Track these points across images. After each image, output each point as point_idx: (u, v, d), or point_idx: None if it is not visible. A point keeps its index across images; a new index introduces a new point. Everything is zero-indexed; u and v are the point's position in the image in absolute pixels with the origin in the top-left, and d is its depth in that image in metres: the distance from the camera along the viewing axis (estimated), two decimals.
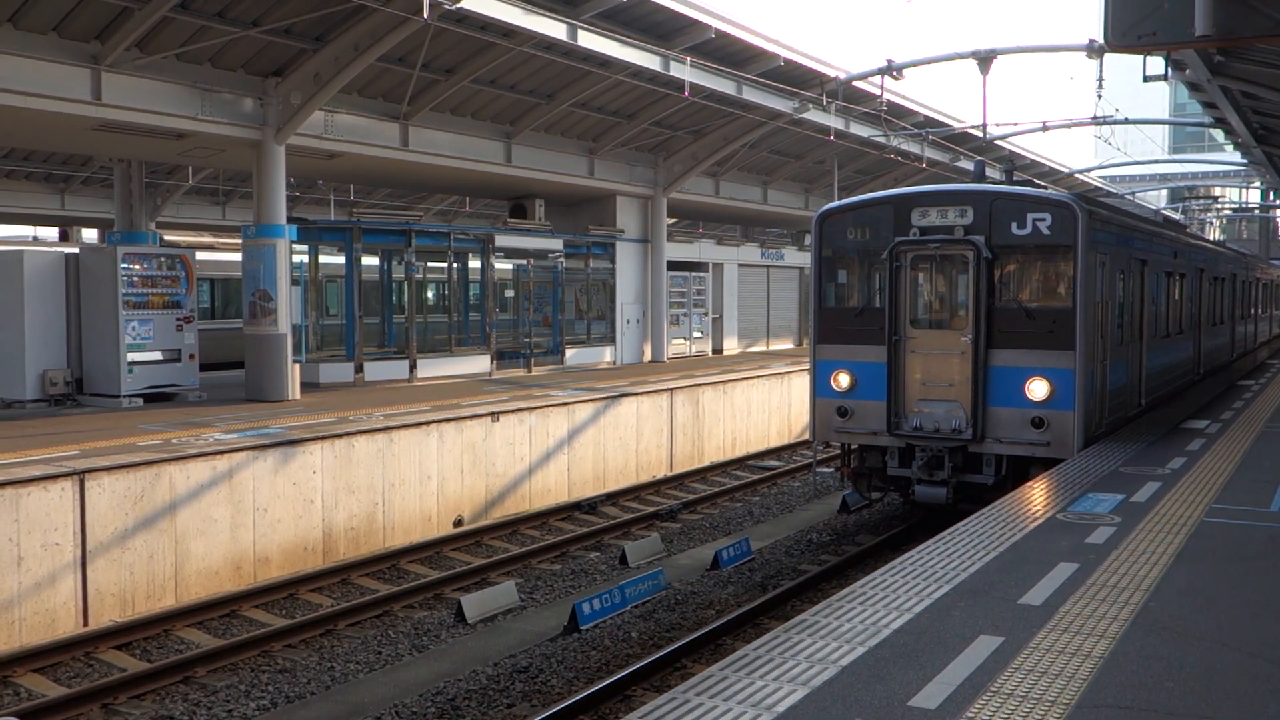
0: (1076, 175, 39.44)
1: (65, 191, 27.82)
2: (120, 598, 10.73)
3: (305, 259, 20.29)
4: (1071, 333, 11.56)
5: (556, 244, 23.91)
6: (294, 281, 17.59)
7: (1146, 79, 13.55)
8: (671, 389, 19.31)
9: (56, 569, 10.19)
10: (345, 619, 10.53)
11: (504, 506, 15.53)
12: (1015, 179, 14.19)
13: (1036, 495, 9.30)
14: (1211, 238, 54.18)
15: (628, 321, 25.73)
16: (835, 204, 13.29)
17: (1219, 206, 56.69)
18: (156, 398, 16.52)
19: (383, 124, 18.58)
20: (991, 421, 11.86)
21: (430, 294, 28.46)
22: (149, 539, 10.98)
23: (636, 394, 18.37)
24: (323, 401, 16.56)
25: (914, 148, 27.96)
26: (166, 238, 25.14)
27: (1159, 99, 78.51)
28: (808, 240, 24.40)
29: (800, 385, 23.07)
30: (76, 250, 17.30)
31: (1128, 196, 45.85)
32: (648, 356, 26.27)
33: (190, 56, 15.33)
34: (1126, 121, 25.02)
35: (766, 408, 22.30)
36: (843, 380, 12.72)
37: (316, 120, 17.12)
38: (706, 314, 28.86)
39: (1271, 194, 46.50)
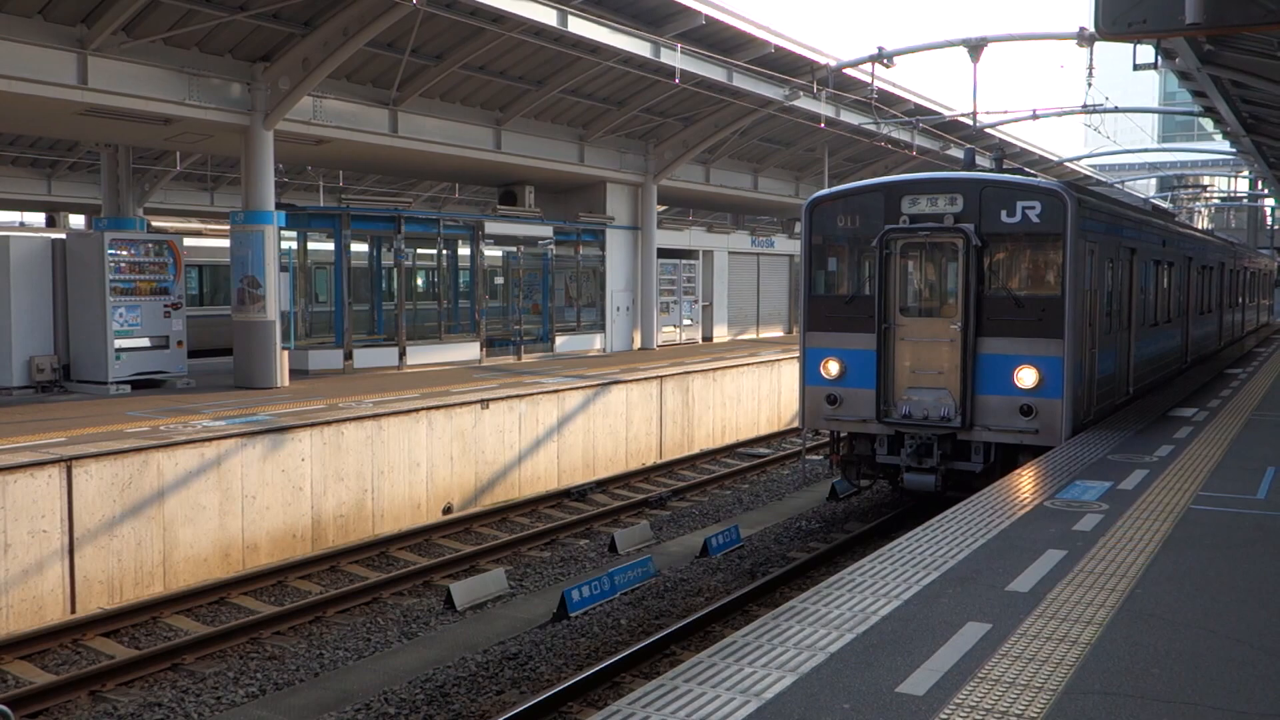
0: (1066, 164, 39.49)
1: (52, 177, 27.65)
2: (108, 585, 10.70)
3: (294, 245, 20.21)
4: (1060, 321, 11.58)
5: (546, 231, 23.86)
6: (282, 268, 17.51)
7: (1136, 67, 13.54)
8: (661, 376, 19.31)
9: (44, 556, 10.16)
10: (334, 606, 10.52)
11: (493, 494, 15.52)
12: (1005, 167, 14.20)
13: (1025, 483, 9.33)
14: (1200, 226, 54.35)
15: (618, 309, 25.71)
16: (825, 191, 13.27)
17: (1208, 195, 56.83)
18: (144, 384, 16.46)
19: (372, 110, 18.50)
20: (980, 409, 11.89)
21: (420, 281, 28.38)
22: (137, 526, 10.95)
23: (626, 381, 18.36)
24: (312, 388, 16.52)
25: (904, 135, 27.98)
26: (154, 223, 25.04)
27: (1149, 88, 78.60)
28: (798, 228, 24.43)
29: (790, 373, 23.10)
30: (63, 236, 17.20)
31: (1117, 185, 45.93)
32: (638, 344, 26.27)
33: (177, 41, 15.22)
34: (1116, 110, 25.08)
35: (756, 395, 22.33)
36: (832, 368, 12.73)
37: (305, 106, 17.02)
38: (697, 301, 28.85)
39: (1260, 183, 46.64)
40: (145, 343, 16.41)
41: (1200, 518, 8.01)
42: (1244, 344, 28.88)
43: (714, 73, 20.37)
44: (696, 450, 19.69)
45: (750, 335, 31.80)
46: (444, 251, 23.96)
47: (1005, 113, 25.51)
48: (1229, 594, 6.16)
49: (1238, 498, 8.73)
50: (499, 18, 16.62)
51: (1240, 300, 28.93)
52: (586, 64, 19.70)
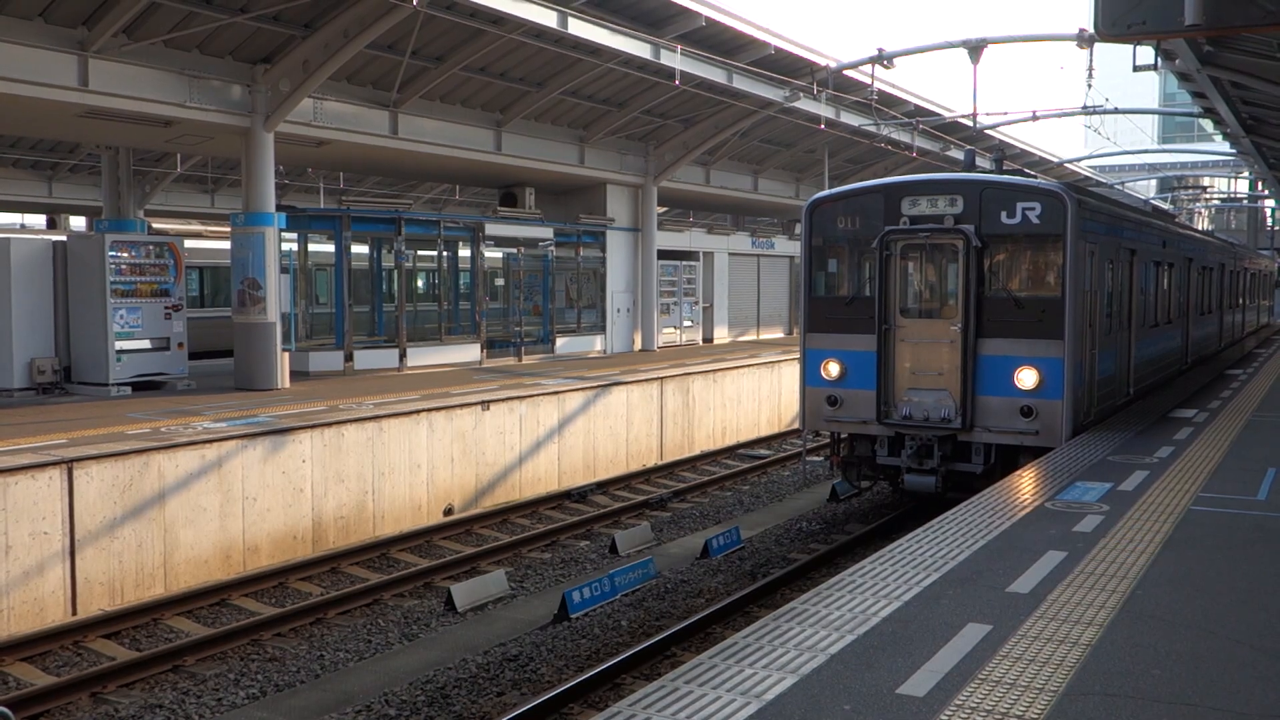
0: (1066, 165, 39.49)
1: (53, 179, 27.67)
2: (109, 586, 10.71)
3: (294, 247, 20.22)
4: (1060, 322, 11.59)
5: (547, 232, 23.87)
6: (283, 270, 17.52)
7: (1136, 69, 13.55)
8: (662, 378, 19.32)
9: (45, 558, 10.16)
10: (335, 608, 10.52)
11: (494, 495, 15.53)
12: (1005, 168, 14.20)
13: (1025, 484, 9.33)
14: (1200, 227, 54.33)
15: (618, 310, 25.72)
16: (825, 193, 13.28)
17: (1208, 196, 56.81)
18: (145, 386, 16.46)
19: (372, 111, 18.51)
20: (980, 410, 11.89)
21: (420, 282, 28.40)
22: (137, 528, 10.96)
23: (627, 383, 18.37)
24: (312, 390, 16.52)
25: (904, 137, 27.99)
26: (155, 225, 25.05)
27: (1149, 89, 78.60)
28: (798, 229, 24.47)
29: (790, 374, 23.10)
30: (64, 238, 17.21)
31: (1117, 186, 45.94)
32: (638, 345, 26.27)
33: (178, 43, 15.24)
34: (1116, 111, 25.05)
35: (756, 396, 22.33)
36: (832, 369, 12.74)
37: (305, 108, 17.04)
38: (697, 303, 28.87)
39: (1260, 184, 46.63)
40: (146, 344, 16.42)
41: (1200, 519, 8.01)
42: (1244, 345, 28.88)
43: (714, 74, 20.38)
44: (697, 451, 19.69)
45: (750, 337, 31.80)
46: (444, 253, 23.98)
47: (1005, 114, 25.50)
48: (1229, 595, 6.16)
49: (1238, 499, 8.73)
50: (499, 19, 16.64)
51: (1240, 301, 28.93)
52: (587, 65, 19.71)
